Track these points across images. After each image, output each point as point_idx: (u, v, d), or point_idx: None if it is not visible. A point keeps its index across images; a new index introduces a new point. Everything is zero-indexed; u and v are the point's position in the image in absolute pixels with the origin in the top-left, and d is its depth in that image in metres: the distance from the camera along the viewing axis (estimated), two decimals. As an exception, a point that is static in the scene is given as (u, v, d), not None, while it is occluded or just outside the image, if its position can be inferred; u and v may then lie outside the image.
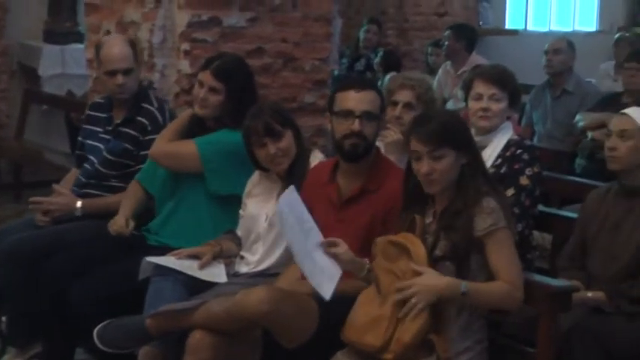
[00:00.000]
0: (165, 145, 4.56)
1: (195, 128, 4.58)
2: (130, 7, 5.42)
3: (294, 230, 3.66)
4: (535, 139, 7.27)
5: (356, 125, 3.90)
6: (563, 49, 7.27)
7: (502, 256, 3.55)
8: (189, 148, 4.49)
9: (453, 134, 3.62)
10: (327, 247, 3.68)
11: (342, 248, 3.69)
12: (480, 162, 3.73)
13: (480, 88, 4.35)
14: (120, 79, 4.79)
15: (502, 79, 4.36)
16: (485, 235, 3.54)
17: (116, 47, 4.84)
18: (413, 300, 3.47)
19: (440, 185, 3.63)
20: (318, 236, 3.71)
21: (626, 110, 4.08)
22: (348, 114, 3.92)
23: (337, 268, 3.67)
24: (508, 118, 4.48)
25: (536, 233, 4.99)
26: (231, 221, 4.41)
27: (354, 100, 3.93)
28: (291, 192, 3.75)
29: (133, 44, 4.93)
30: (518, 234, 4.21)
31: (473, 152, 3.68)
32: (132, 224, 4.50)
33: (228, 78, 4.50)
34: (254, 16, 5.16)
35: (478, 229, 3.54)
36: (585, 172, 6.37)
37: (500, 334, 3.94)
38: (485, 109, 4.33)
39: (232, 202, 4.42)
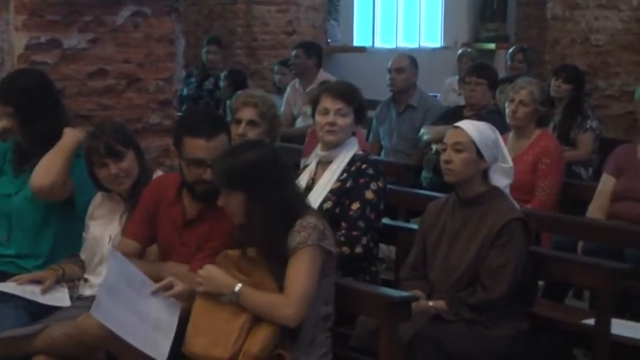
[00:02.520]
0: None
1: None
2: (-32, 30, 5.30)
3: (126, 298, 3.62)
4: (382, 154, 7.42)
5: (207, 174, 3.85)
6: (405, 67, 7.40)
7: (294, 271, 3.59)
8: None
9: (242, 177, 3.63)
10: (164, 294, 3.68)
11: (178, 288, 3.70)
12: (283, 197, 3.67)
13: (326, 103, 4.43)
14: None
15: (348, 94, 4.45)
16: (291, 251, 3.60)
17: None
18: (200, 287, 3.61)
19: (238, 220, 3.67)
20: (150, 287, 3.71)
21: (460, 123, 4.20)
22: (200, 163, 3.86)
23: (173, 319, 3.66)
24: (354, 134, 4.57)
25: (383, 246, 5.11)
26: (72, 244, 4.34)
27: (204, 149, 3.85)
28: (114, 257, 3.70)
29: None
30: (362, 247, 4.31)
31: (270, 192, 3.64)
32: None
33: (15, 99, 4.31)
34: (95, 37, 5.10)
35: (289, 247, 3.61)
36: (431, 184, 6.53)
37: (347, 346, 4.01)
38: (331, 124, 4.40)
39: (74, 225, 4.36)
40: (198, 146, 3.86)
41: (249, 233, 3.64)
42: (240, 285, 3.57)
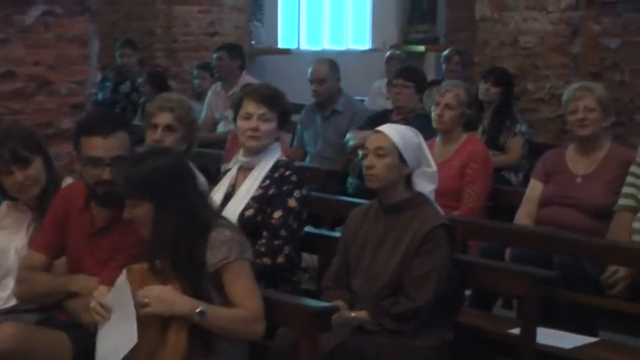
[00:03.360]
0: None
1: None
2: None
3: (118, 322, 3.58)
4: (307, 160, 7.41)
5: (107, 174, 3.82)
6: (326, 76, 7.33)
7: (240, 287, 3.60)
8: None
9: (146, 185, 3.59)
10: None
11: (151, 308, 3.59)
12: (190, 206, 3.64)
13: (249, 107, 4.40)
14: None
15: (272, 98, 4.43)
16: (219, 269, 3.58)
17: None
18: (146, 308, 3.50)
19: (145, 232, 3.64)
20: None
21: (382, 127, 4.20)
22: (97, 162, 3.83)
23: (132, 335, 3.58)
24: (277, 139, 4.55)
25: (306, 255, 5.09)
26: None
27: (101, 147, 3.81)
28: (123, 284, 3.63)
29: None
30: (285, 257, 4.30)
31: (177, 202, 3.61)
32: None
33: None
34: (3, 37, 5.03)
35: (210, 265, 3.58)
36: (357, 191, 6.53)
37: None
38: (254, 129, 4.38)
39: None
40: (95, 144, 3.82)
41: (157, 246, 3.60)
42: (203, 305, 3.53)
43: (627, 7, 7.43)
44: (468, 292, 5.07)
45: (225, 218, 3.82)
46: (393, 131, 4.15)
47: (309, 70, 7.41)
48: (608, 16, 7.32)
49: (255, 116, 4.38)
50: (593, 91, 5.31)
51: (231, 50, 8.26)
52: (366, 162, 4.17)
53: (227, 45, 8.52)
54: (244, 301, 3.58)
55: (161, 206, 3.57)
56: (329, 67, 7.36)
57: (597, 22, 7.31)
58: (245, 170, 4.47)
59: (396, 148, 4.10)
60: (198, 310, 3.52)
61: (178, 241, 3.57)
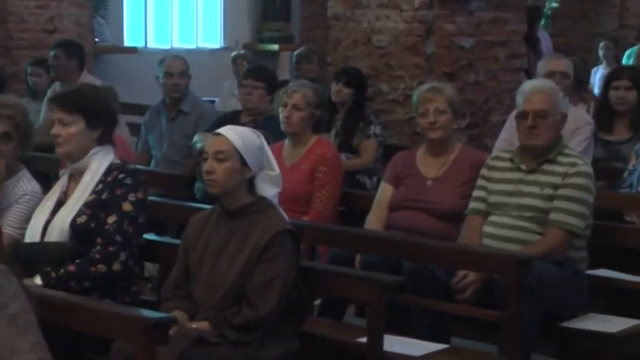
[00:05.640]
0: None
1: None
2: None
3: None
4: (152, 164, 7.37)
5: None
6: (185, 70, 7.39)
7: None
8: None
9: None
10: None
11: None
12: None
13: (52, 114, 4.47)
14: None
15: (67, 101, 4.44)
16: None
17: None
18: None
19: None
20: None
21: (221, 130, 4.20)
22: None
23: None
24: (111, 141, 4.52)
25: (149, 264, 5.08)
26: None
27: None
28: None
29: None
30: (121, 263, 4.27)
31: None
32: None
33: None
34: None
35: None
36: (205, 196, 6.50)
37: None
38: (56, 136, 4.41)
39: None
40: None
41: None
42: None
43: (481, 6, 7.60)
44: (317, 302, 5.14)
45: None
46: (234, 134, 4.16)
47: (164, 64, 7.39)
48: (461, 15, 7.47)
49: (56, 122, 4.41)
50: (443, 92, 5.44)
51: (68, 48, 8.10)
52: (205, 167, 4.16)
53: (63, 42, 8.34)
54: None
55: None
56: (185, 63, 7.40)
57: (451, 22, 7.44)
58: (77, 176, 4.44)
59: (237, 152, 4.11)
60: None
61: None
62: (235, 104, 8.97)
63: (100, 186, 4.38)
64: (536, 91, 5.01)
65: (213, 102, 9.16)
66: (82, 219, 4.31)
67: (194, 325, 4.04)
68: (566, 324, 4.76)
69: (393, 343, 4.36)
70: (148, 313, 3.77)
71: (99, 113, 4.45)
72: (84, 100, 4.44)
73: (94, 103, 4.46)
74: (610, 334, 4.63)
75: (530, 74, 8.22)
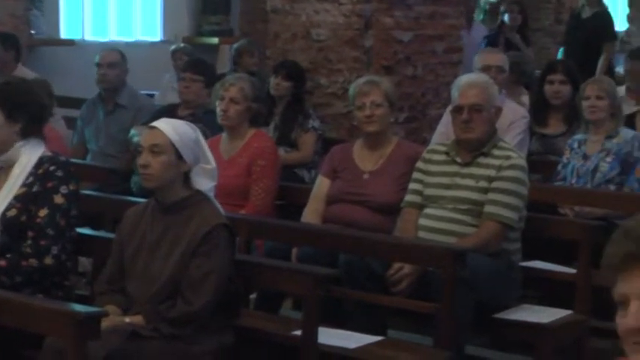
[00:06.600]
0: None
1: None
2: None
3: None
4: (89, 158, 7.32)
5: None
6: (118, 62, 7.36)
7: None
8: None
9: None
10: None
11: None
12: None
13: None
14: None
15: None
16: None
17: None
18: None
19: None
20: None
21: (156, 123, 4.19)
22: None
23: None
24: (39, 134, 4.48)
25: (83, 259, 5.05)
26: None
27: None
28: None
29: None
30: (53, 257, 4.25)
31: None
32: None
33: None
34: None
35: None
36: (142, 190, 6.47)
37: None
38: None
39: None
40: None
41: None
42: None
43: (419, 0, 7.64)
44: (253, 295, 5.15)
45: None
46: (169, 127, 4.15)
47: (98, 57, 7.36)
48: (400, 9, 7.50)
49: None
50: (379, 85, 5.47)
51: (5, 40, 8.08)
52: (140, 160, 4.15)
53: (1, 35, 8.31)
54: None
55: None
56: (120, 55, 7.40)
57: (389, 15, 7.46)
58: (6, 169, 4.40)
59: (172, 145, 4.10)
60: None
61: None
62: (175, 98, 8.92)
63: (31, 179, 4.34)
64: (471, 85, 5.05)
65: (152, 95, 9.12)
66: (12, 212, 4.27)
67: (127, 320, 4.04)
68: (500, 315, 4.81)
69: (328, 335, 4.38)
70: (78, 307, 3.74)
71: (19, 106, 4.38)
72: (2, 94, 4.38)
73: (14, 96, 4.39)
74: (543, 325, 4.69)
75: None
